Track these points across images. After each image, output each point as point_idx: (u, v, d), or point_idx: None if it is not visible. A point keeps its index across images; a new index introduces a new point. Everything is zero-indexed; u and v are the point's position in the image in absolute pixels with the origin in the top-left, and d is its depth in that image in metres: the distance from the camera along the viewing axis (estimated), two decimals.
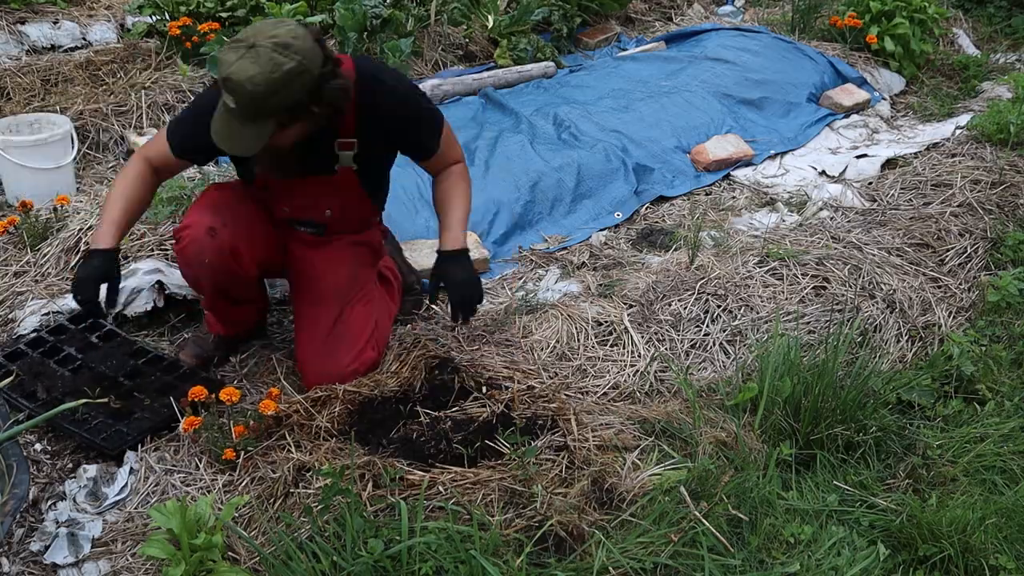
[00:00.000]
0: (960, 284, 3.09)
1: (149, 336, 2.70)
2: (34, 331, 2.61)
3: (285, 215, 2.47)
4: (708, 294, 2.83)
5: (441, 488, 1.98)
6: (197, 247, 2.32)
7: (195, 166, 2.86)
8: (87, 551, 1.99)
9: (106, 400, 2.32)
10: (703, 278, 2.91)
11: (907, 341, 2.81)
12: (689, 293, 2.83)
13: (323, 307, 2.46)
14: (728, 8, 5.85)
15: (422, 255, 3.05)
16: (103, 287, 2.28)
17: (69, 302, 2.72)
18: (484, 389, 2.32)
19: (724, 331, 2.72)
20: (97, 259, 2.27)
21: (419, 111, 2.41)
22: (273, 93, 2.00)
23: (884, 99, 4.67)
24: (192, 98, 3.84)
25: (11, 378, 2.39)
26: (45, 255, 2.96)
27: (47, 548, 2.00)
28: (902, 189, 3.64)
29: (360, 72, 2.26)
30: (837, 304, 2.83)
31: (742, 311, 2.79)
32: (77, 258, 2.86)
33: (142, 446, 2.26)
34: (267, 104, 2.02)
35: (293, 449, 2.16)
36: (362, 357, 2.43)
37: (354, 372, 2.41)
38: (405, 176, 3.46)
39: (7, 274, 2.91)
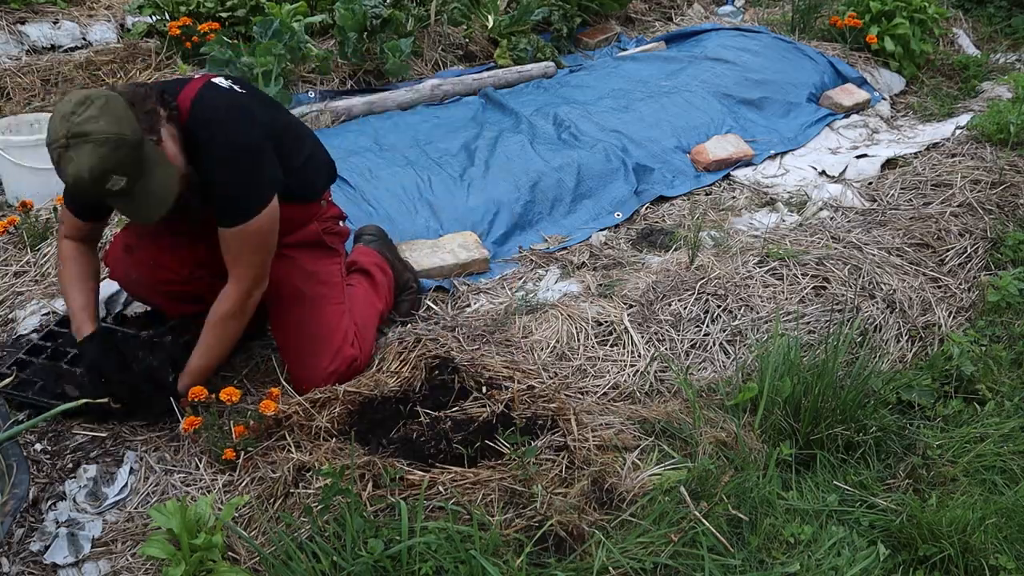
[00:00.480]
0: (960, 284, 3.09)
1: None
2: (28, 338, 2.59)
3: None
4: (708, 294, 2.83)
5: (441, 488, 1.98)
6: (122, 268, 2.43)
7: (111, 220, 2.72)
8: (87, 551, 1.99)
9: (106, 400, 2.32)
10: (703, 278, 2.91)
11: (907, 341, 2.80)
12: (689, 293, 2.83)
13: (286, 310, 2.45)
14: (728, 8, 5.85)
15: (422, 255, 3.05)
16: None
17: None
18: (484, 389, 2.32)
19: (724, 331, 2.72)
20: (90, 347, 2.31)
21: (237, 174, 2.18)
22: (134, 147, 1.96)
23: (884, 99, 4.67)
24: None
25: (11, 378, 2.39)
26: (45, 255, 2.97)
27: (47, 548, 1.99)
28: (902, 189, 3.64)
29: (192, 103, 2.17)
30: (837, 304, 2.83)
31: (742, 311, 2.79)
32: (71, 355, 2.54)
33: (144, 445, 2.27)
34: (132, 159, 1.97)
35: (293, 449, 2.16)
36: (341, 355, 2.41)
37: (336, 372, 2.40)
38: (405, 176, 3.47)
39: (7, 274, 2.91)
